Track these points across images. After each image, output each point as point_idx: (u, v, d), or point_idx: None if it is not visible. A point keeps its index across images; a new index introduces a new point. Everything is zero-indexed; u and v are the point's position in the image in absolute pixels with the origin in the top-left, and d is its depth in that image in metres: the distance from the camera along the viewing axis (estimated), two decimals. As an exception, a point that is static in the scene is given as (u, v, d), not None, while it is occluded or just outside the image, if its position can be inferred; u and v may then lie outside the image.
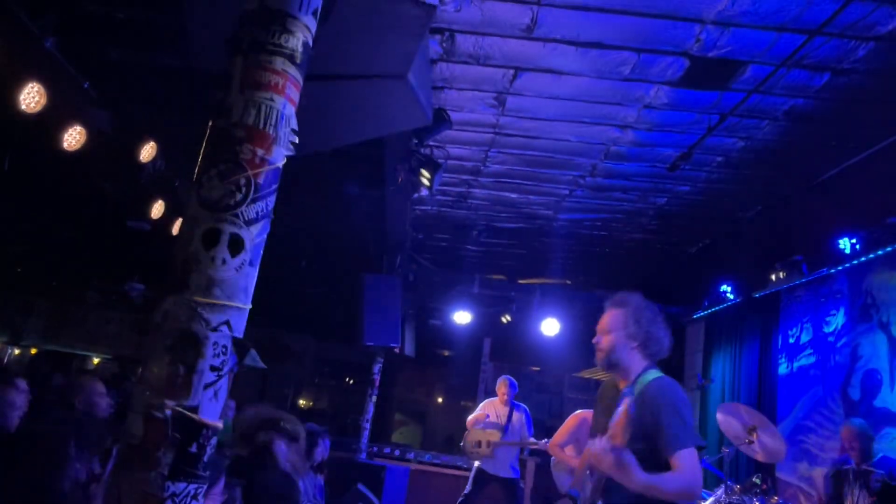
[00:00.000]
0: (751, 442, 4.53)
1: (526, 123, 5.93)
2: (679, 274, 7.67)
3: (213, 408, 1.22)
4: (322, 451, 5.18)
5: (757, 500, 4.53)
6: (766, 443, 4.52)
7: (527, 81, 5.20)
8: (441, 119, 5.20)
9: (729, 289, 7.13)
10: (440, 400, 13.74)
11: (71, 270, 10.05)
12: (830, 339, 5.93)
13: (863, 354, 5.48)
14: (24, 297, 11.38)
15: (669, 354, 2.70)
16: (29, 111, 3.99)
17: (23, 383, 3.03)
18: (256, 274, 1.34)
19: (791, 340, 6.55)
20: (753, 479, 4.78)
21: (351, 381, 13.17)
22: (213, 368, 1.22)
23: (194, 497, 1.18)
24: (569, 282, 9.45)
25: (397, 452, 8.57)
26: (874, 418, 5.18)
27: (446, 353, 11.58)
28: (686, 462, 2.35)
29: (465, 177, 7.20)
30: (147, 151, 5.18)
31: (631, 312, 2.64)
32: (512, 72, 5.10)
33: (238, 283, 1.28)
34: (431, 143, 6.00)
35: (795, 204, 6.17)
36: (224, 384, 1.25)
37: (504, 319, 9.01)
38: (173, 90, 5.02)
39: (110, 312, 11.41)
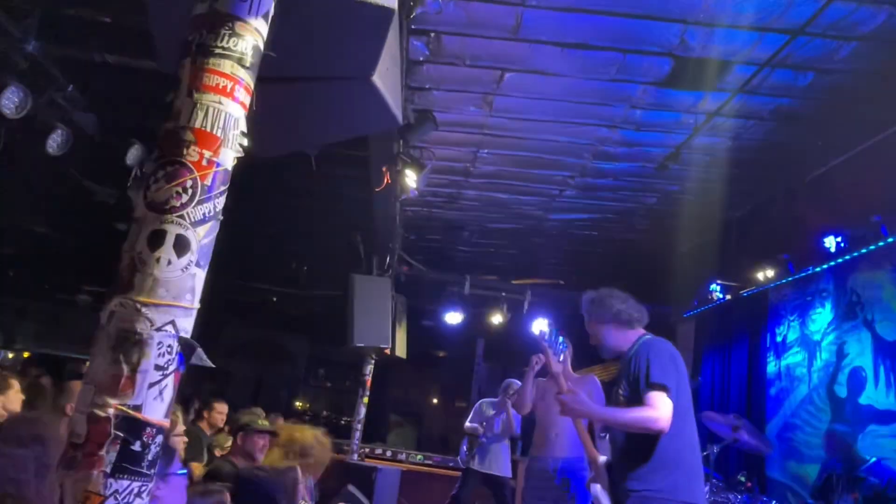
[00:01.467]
0: (736, 441, 4.56)
1: (514, 124, 5.95)
2: (669, 273, 7.69)
3: (157, 406, 1.23)
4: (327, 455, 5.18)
5: (741, 498, 4.55)
6: (749, 440, 4.55)
7: (514, 82, 5.22)
8: (427, 120, 5.21)
9: (718, 288, 7.16)
10: (435, 401, 13.76)
11: (62, 274, 10.06)
12: (816, 337, 5.95)
13: (848, 352, 5.50)
14: (15, 301, 11.39)
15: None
16: (12, 115, 4.00)
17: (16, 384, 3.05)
18: (204, 274, 1.35)
19: (779, 339, 6.57)
20: (739, 478, 4.81)
21: (347, 383, 13.17)
22: (157, 368, 1.23)
23: (138, 494, 1.19)
24: (561, 282, 9.47)
25: (389, 453, 8.59)
26: (860, 416, 5.20)
27: (440, 353, 11.60)
28: (650, 400, 2.66)
29: (455, 178, 7.22)
30: (133, 154, 5.19)
31: (590, 308, 3.10)
32: (499, 72, 5.12)
33: (184, 283, 1.29)
34: (418, 144, 6.02)
35: (782, 203, 6.19)
36: (170, 383, 1.26)
37: (495, 321, 9.02)
38: (158, 92, 5.03)
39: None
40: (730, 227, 6.83)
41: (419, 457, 8.60)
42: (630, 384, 2.81)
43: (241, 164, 1.48)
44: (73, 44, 4.60)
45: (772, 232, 6.32)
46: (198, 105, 1.35)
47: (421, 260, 8.86)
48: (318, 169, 5.82)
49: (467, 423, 6.91)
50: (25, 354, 11.92)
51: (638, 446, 2.73)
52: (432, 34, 4.73)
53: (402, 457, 8.57)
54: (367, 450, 8.42)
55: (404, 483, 7.82)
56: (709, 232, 7.11)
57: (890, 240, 4.86)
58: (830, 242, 5.37)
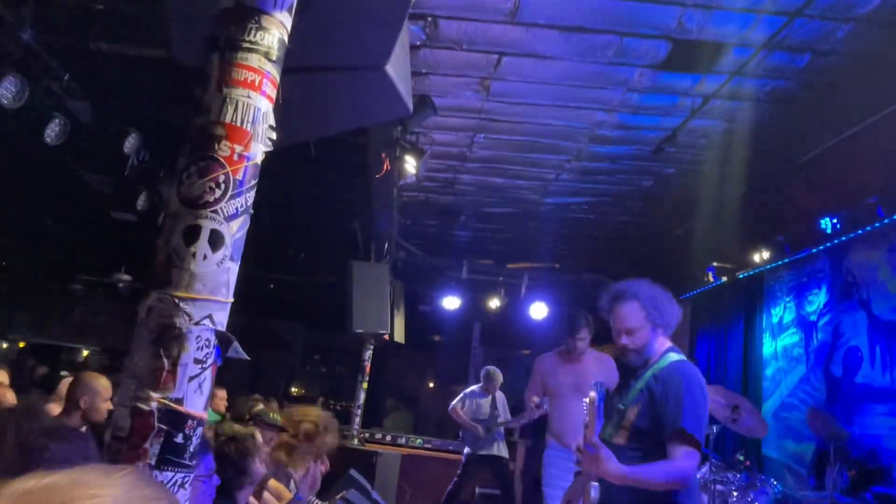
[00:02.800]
0: (735, 420, 4.63)
1: (511, 108, 5.94)
2: (666, 256, 7.74)
3: (197, 399, 1.25)
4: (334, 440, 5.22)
5: (740, 476, 4.64)
6: (748, 420, 4.62)
7: (511, 66, 5.21)
8: (425, 105, 5.20)
9: (714, 270, 7.22)
10: (431, 385, 13.84)
11: (56, 263, 10.00)
12: (813, 317, 6.03)
13: (844, 332, 5.58)
14: (9, 291, 11.32)
15: None
16: (8, 104, 3.96)
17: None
18: (237, 268, 1.36)
19: (775, 320, 6.65)
20: (737, 457, 4.89)
21: (343, 369, 13.23)
22: (196, 361, 1.25)
23: (181, 485, 1.21)
24: (557, 265, 9.51)
25: (388, 438, 8.66)
26: (855, 394, 5.30)
27: (437, 338, 11.65)
28: (680, 451, 2.30)
29: (451, 162, 7.21)
30: (130, 143, 5.15)
31: (647, 302, 2.61)
32: (496, 57, 5.11)
33: (219, 277, 1.31)
34: (417, 130, 6.01)
35: (778, 185, 6.24)
36: (208, 376, 1.28)
37: (492, 305, 9.07)
38: (155, 81, 4.99)
39: (98, 304, 11.36)
40: (726, 209, 6.87)
41: (419, 441, 8.67)
42: (650, 413, 2.44)
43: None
44: (67, 32, 4.54)
45: (768, 214, 6.38)
46: (227, 100, 1.35)
47: (418, 245, 8.87)
48: (315, 154, 5.81)
49: (461, 415, 6.97)
50: (21, 344, 11.88)
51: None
52: (429, 18, 4.71)
53: (402, 441, 8.64)
54: (366, 435, 8.49)
55: (404, 467, 7.90)
56: (705, 214, 7.16)
57: (885, 220, 4.92)
58: (826, 224, 5.43)
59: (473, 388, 7.20)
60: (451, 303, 8.90)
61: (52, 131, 4.45)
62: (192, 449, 1.25)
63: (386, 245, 7.84)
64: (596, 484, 2.45)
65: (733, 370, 7.11)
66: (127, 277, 8.25)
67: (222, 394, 5.62)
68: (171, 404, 1.22)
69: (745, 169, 6.41)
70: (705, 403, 2.46)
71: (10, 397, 3.38)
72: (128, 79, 5.22)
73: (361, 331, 7.19)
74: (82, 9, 4.29)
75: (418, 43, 4.98)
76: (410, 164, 5.53)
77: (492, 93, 5.64)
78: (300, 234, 9.00)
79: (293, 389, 14.14)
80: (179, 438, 1.23)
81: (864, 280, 5.40)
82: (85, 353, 12.31)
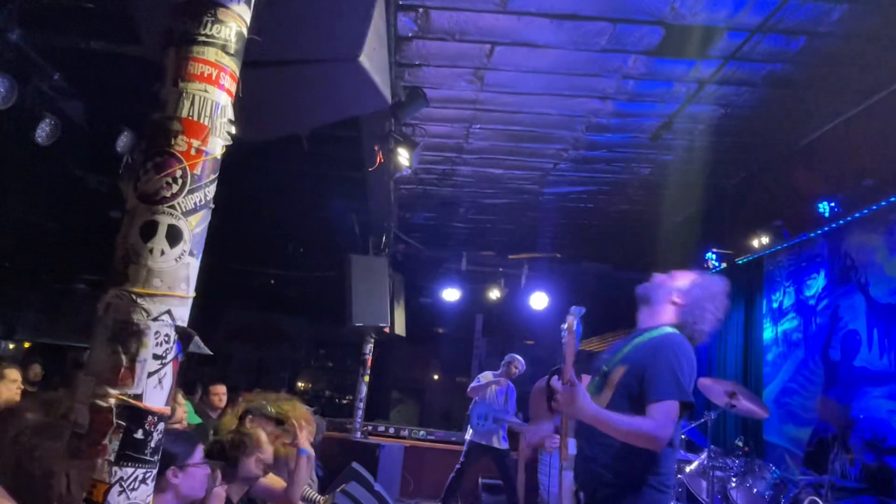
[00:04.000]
0: (733, 406, 4.61)
1: (506, 98, 5.92)
2: (665, 243, 7.71)
3: (157, 395, 1.25)
4: (319, 434, 5.25)
5: (739, 462, 4.63)
6: (746, 405, 4.60)
7: (504, 56, 5.19)
8: (417, 97, 5.18)
9: (713, 256, 7.19)
10: (435, 377, 13.88)
11: (59, 263, 10.06)
12: (811, 302, 6.00)
13: (843, 316, 5.55)
14: (14, 292, 11.39)
15: None
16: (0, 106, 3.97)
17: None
18: (198, 263, 1.36)
19: (774, 305, 6.62)
20: (736, 443, 4.88)
21: (348, 363, 13.27)
22: (156, 357, 1.25)
23: (143, 481, 1.22)
24: (557, 255, 9.50)
25: (392, 430, 8.69)
26: (854, 377, 5.27)
27: (440, 330, 11.67)
28: (657, 412, 2.35)
29: (448, 154, 7.20)
30: (123, 141, 5.16)
31: (700, 282, 2.70)
32: (488, 47, 5.08)
33: (178, 273, 1.30)
34: (410, 122, 5.99)
35: (776, 170, 6.20)
36: (169, 371, 1.28)
37: (493, 296, 9.07)
38: (147, 78, 4.98)
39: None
40: (724, 195, 6.84)
41: (421, 432, 8.70)
42: (637, 374, 2.49)
43: (233, 148, 1.48)
44: (56, 31, 4.54)
45: (766, 199, 6.34)
46: (184, 94, 1.35)
47: (417, 238, 8.87)
48: (310, 150, 5.80)
49: (477, 394, 6.99)
50: (26, 345, 11.96)
51: (619, 449, 2.43)
52: (420, 9, 4.68)
53: (405, 433, 8.68)
54: (369, 427, 8.52)
55: (408, 458, 7.93)
56: (703, 201, 7.12)
57: (883, 203, 4.88)
58: (824, 208, 5.39)
59: (490, 372, 7.20)
60: (451, 295, 8.91)
61: (42, 131, 4.45)
62: (153, 444, 1.25)
63: (384, 238, 7.84)
64: (573, 440, 2.52)
65: (733, 356, 7.09)
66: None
67: (219, 390, 5.64)
68: (130, 400, 1.22)
69: (742, 154, 6.37)
70: (691, 373, 2.49)
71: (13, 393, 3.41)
72: (119, 77, 5.21)
73: (361, 324, 7.20)
74: (71, 7, 4.28)
75: (410, 34, 4.95)
76: (404, 157, 5.51)
77: (486, 83, 5.62)
78: (299, 229, 9.01)
79: (299, 384, 14.20)
80: (139, 434, 1.23)
81: (862, 263, 5.37)
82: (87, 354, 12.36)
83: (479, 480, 7.79)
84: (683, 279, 2.71)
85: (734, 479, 4.57)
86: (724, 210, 6.87)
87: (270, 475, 3.39)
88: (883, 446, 4.28)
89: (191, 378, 7.83)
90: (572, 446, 2.53)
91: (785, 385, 6.28)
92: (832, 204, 5.33)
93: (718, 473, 4.59)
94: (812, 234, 5.84)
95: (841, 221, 5.37)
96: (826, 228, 5.63)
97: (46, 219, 8.03)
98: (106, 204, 6.28)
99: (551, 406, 3.59)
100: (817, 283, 5.94)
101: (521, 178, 7.76)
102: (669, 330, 2.61)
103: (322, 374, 14.48)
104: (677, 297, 2.65)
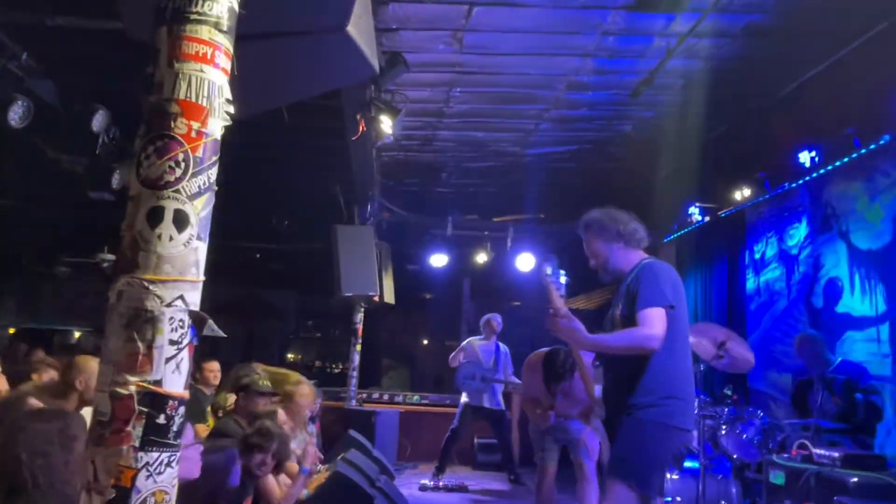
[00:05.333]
0: (721, 357, 4.72)
1: (486, 60, 5.86)
2: (649, 199, 7.76)
3: (176, 379, 1.26)
4: (316, 405, 5.31)
5: (728, 410, 4.77)
6: (736, 353, 4.71)
7: (483, 16, 5.11)
8: (397, 62, 5.10)
9: (696, 210, 7.26)
10: (425, 342, 14.00)
11: (40, 246, 9.90)
12: (794, 251, 6.11)
13: (824, 264, 5.67)
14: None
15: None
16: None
17: None
18: (206, 247, 1.35)
19: (757, 256, 6.74)
20: (725, 392, 5.02)
21: (337, 333, 13.32)
22: (172, 342, 1.25)
23: (168, 464, 1.23)
24: (542, 216, 9.54)
25: (386, 397, 8.80)
26: (836, 323, 5.42)
27: (427, 296, 11.72)
28: (644, 318, 2.64)
29: (429, 119, 7.13)
30: (98, 120, 5.03)
31: (597, 225, 3.00)
32: (466, 7, 5.00)
33: (188, 258, 1.30)
34: (390, 88, 5.91)
35: (757, 121, 6.23)
36: (185, 355, 1.29)
37: (480, 260, 9.10)
38: (118, 54, 4.84)
39: (85, 285, 11.29)
40: (706, 149, 6.88)
41: (415, 397, 8.82)
42: (627, 304, 2.77)
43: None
44: (20, 8, 4.38)
45: (747, 151, 6.39)
46: (179, 75, 1.32)
47: (401, 205, 8.83)
48: (289, 120, 5.71)
49: (458, 361, 7.06)
50: (11, 331, 11.83)
51: (633, 371, 2.67)
52: (396, -29, 4.59)
53: (399, 398, 8.79)
54: (364, 395, 8.61)
55: (403, 423, 8.06)
56: (685, 156, 7.16)
57: (863, 151, 4.94)
58: (805, 157, 5.44)
59: (475, 337, 7.28)
60: (438, 260, 8.93)
61: (15, 114, 4.33)
62: (175, 428, 1.26)
63: (368, 207, 7.81)
64: (599, 386, 2.87)
65: (718, 308, 7.23)
66: (110, 257, 8.18)
67: (213, 366, 5.64)
68: (150, 387, 1.23)
69: (723, 107, 6.38)
70: (667, 280, 2.79)
71: (2, 384, 3.39)
72: (90, 54, 5.06)
73: (351, 294, 7.21)
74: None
75: (385, -2, 4.86)
76: (386, 124, 5.46)
77: (465, 45, 5.54)
78: (283, 202, 8.93)
79: (289, 356, 14.27)
80: (162, 419, 1.24)
81: (843, 211, 5.46)
82: (77, 334, 12.30)
83: (475, 440, 7.95)
84: (592, 224, 3.03)
85: (724, 427, 4.71)
86: (706, 164, 6.92)
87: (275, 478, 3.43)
88: (860, 387, 4.42)
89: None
90: (598, 391, 2.93)
91: (768, 333, 6.43)
92: (813, 153, 5.39)
93: (708, 422, 4.73)
94: (793, 185, 5.91)
95: (822, 170, 5.44)
96: (807, 178, 5.70)
97: (23, 202, 7.87)
98: (83, 184, 6.15)
99: (550, 389, 3.75)
100: (799, 233, 6.04)
101: (504, 141, 7.73)
102: (649, 261, 2.93)
103: (312, 345, 14.55)
104: (615, 244, 2.94)
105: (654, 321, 2.61)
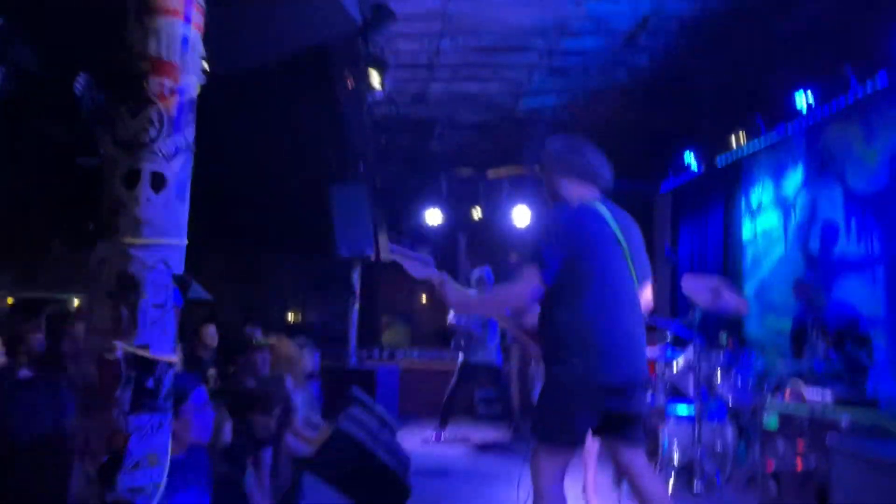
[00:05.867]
0: (716, 302, 4.73)
1: (474, 9, 5.68)
2: (645, 149, 7.68)
3: (163, 343, 1.25)
4: (310, 362, 5.37)
5: (723, 355, 4.82)
6: (730, 300, 4.72)
7: (470, -37, 4.96)
8: (383, 14, 4.96)
9: (693, 158, 7.20)
10: (423, 299, 14.06)
11: (32, 218, 9.83)
12: (790, 197, 6.09)
13: (821, 208, 5.66)
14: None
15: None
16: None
17: None
18: (187, 207, 1.33)
19: (754, 204, 6.72)
20: (720, 337, 5.07)
21: (336, 293, 13.37)
22: (156, 306, 1.24)
23: (160, 427, 1.24)
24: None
25: (386, 354, 8.88)
26: (833, 267, 5.43)
27: (424, 252, 11.72)
28: (522, 275, 2.57)
29: (419, 73, 6.99)
30: (81, 84, 4.91)
31: (554, 156, 2.91)
32: (453, -46, 4.85)
33: (167, 219, 1.27)
34: (379, 41, 5.77)
35: (752, 65, 6.11)
36: (171, 318, 1.28)
37: (475, 215, 9.07)
38: (100, 15, 4.70)
39: (81, 254, 11.24)
40: (701, 95, 6.77)
41: (415, 353, 8.91)
42: None
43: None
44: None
45: (743, 95, 6.29)
46: (149, 31, 1.27)
47: (395, 162, 8.75)
48: (279, 80, 5.60)
49: (453, 321, 7.09)
50: (10, 301, 11.85)
51: (543, 330, 2.61)
52: (379, -84, 4.42)
53: (400, 355, 8.88)
54: (364, 353, 8.70)
55: (404, 380, 8.16)
56: (681, 103, 7.05)
57: (859, 91, 4.87)
58: (801, 100, 5.36)
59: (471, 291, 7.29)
60: (433, 217, 8.90)
61: (-6, 81, 4.21)
62: (165, 391, 1.26)
63: (362, 165, 7.73)
64: None
65: (714, 256, 7.24)
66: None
67: (210, 330, 5.67)
68: (137, 351, 1.22)
69: (718, 50, 6.26)
70: (558, 233, 2.60)
71: None
72: (70, 14, 4.91)
73: (347, 254, 7.21)
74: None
75: (369, -53, 4.70)
76: (375, 79, 5.35)
77: (453, -7, 5.39)
78: (277, 164, 8.83)
79: (289, 317, 14.35)
80: (150, 383, 1.24)
81: (840, 155, 5.42)
82: (76, 301, 12.32)
83: (475, 394, 8.07)
84: (545, 171, 2.91)
85: (719, 372, 4.77)
86: (702, 111, 6.82)
87: None
88: (856, 332, 4.46)
89: (183, 320, 7.85)
90: None
91: (765, 280, 6.46)
92: (809, 95, 5.30)
93: (704, 368, 4.78)
94: (789, 129, 5.84)
95: (818, 114, 5.37)
96: (803, 122, 5.63)
97: (12, 175, 7.77)
98: (72, 152, 6.07)
99: None
100: (795, 178, 6.01)
101: (496, 93, 7.59)
102: (567, 204, 2.77)
103: (311, 305, 14.61)
104: (564, 177, 2.79)
105: (523, 278, 2.54)
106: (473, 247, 10.34)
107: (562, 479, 2.49)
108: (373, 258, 7.54)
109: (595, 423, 2.48)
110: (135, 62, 1.27)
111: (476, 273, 7.22)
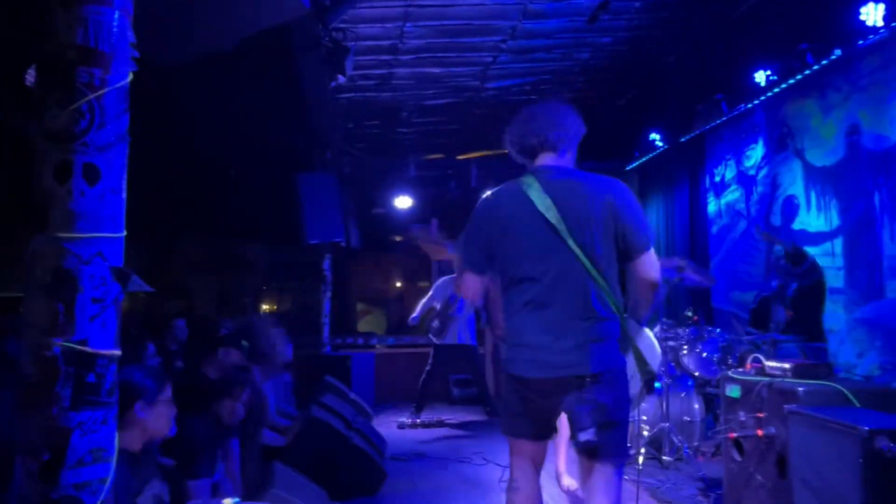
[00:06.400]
0: (681, 280, 4.82)
1: (437, -10, 5.66)
2: (611, 128, 7.73)
3: (103, 337, 1.24)
4: (286, 352, 5.34)
5: (689, 331, 4.91)
6: (693, 276, 4.81)
7: (430, -56, 4.91)
8: (342, -1, 4.90)
9: (658, 136, 7.27)
10: (398, 284, 14.07)
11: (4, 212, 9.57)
12: (752, 172, 6.19)
13: (781, 182, 5.76)
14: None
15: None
16: None
17: None
18: (124, 199, 1.30)
19: (717, 179, 6.82)
20: (686, 313, 5.16)
21: (309, 281, 13.30)
22: (94, 300, 1.22)
23: (103, 422, 1.22)
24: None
25: (360, 341, 8.87)
26: (794, 239, 5.55)
27: (397, 238, 11.71)
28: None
29: (384, 57, 6.92)
30: (32, 74, 4.77)
31: (573, 124, 2.65)
32: (412, -64, 4.79)
33: (103, 212, 1.24)
34: (340, 26, 5.70)
35: (713, 43, 6.18)
36: (111, 313, 1.26)
37: (447, 199, 9.05)
38: (21, 2, 4.56)
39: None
40: (664, 74, 6.83)
41: (390, 339, 8.92)
42: None
43: (157, 77, 1.38)
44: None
45: (705, 73, 6.35)
46: (74, 19, 1.23)
47: (363, 148, 8.68)
48: (241, 67, 5.51)
49: (426, 302, 7.10)
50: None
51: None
52: None
53: (374, 342, 8.88)
54: (338, 341, 8.68)
55: (379, 366, 8.17)
56: (644, 82, 7.10)
57: (815, 67, 4.94)
58: (760, 77, 5.43)
59: (446, 277, 7.29)
60: (404, 202, 8.87)
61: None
62: (108, 386, 1.25)
63: (329, 152, 7.66)
64: None
65: (680, 232, 7.35)
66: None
67: (181, 324, 5.62)
68: (76, 346, 1.20)
69: (680, 29, 6.31)
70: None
71: None
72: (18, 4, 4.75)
73: (317, 241, 7.16)
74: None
75: (326, -71, 4.62)
76: (338, 65, 5.28)
77: (414, -24, 5.34)
78: (242, 154, 8.71)
79: (263, 306, 14.25)
80: (91, 378, 1.22)
81: (798, 129, 5.52)
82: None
83: (450, 377, 8.10)
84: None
85: (685, 347, 4.86)
86: (665, 89, 6.88)
87: None
88: (816, 280, 4.58)
89: (156, 313, 7.77)
90: None
91: (730, 255, 6.58)
92: (768, 72, 5.38)
93: (671, 343, 4.87)
94: (750, 105, 5.92)
95: (777, 89, 5.45)
96: (763, 98, 5.71)
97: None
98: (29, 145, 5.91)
99: None
100: (756, 153, 6.10)
101: (462, 76, 7.56)
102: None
103: (285, 295, 14.52)
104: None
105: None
106: (447, 229, 10.34)
107: (528, 468, 2.38)
108: (343, 245, 7.51)
109: (536, 416, 2.32)
110: (61, 51, 1.24)
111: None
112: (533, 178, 2.43)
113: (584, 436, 2.11)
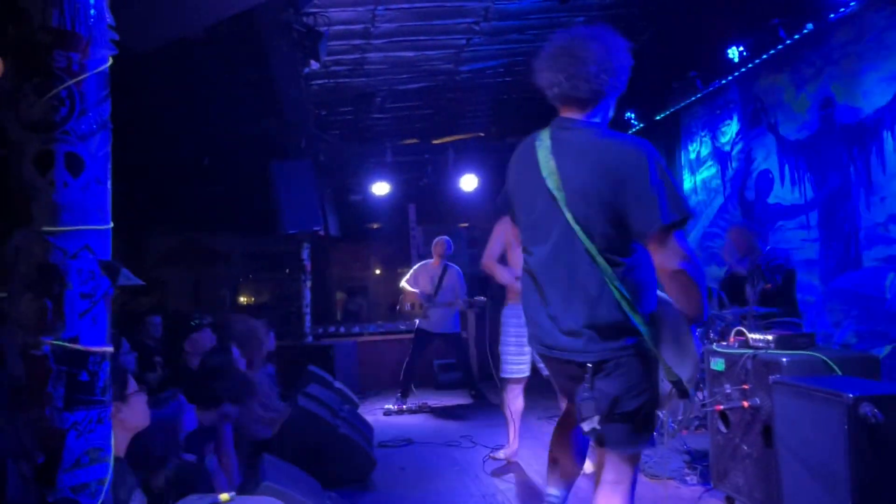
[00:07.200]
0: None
1: (408, -27, 5.58)
2: (585, 108, 7.73)
3: (94, 333, 1.19)
4: (270, 342, 5.29)
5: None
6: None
7: (400, -75, 4.83)
8: (313, -18, 4.81)
9: (633, 115, 7.29)
10: (377, 271, 14.01)
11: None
12: (727, 148, 6.25)
13: (755, 157, 5.82)
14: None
15: None
16: None
17: None
18: (109, 189, 1.25)
19: (692, 156, 6.87)
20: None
21: (287, 271, 13.17)
22: (83, 296, 1.17)
23: (99, 421, 1.18)
24: (481, 134, 9.43)
25: (342, 329, 8.83)
26: (769, 214, 5.63)
27: (374, 225, 11.63)
28: None
29: (356, 41, 6.82)
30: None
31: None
32: (382, -84, 4.71)
33: (88, 203, 1.19)
34: (311, 10, 5.59)
35: (686, 20, 6.19)
36: (102, 308, 1.21)
37: (424, 184, 9.00)
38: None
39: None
40: (638, 52, 6.81)
41: (371, 327, 8.88)
42: None
43: (126, 64, 1.32)
44: None
45: (678, 51, 6.37)
46: (50, 1, 1.17)
47: (338, 135, 8.58)
48: (209, 53, 5.38)
49: (406, 287, 7.06)
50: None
51: None
52: None
53: (356, 330, 8.84)
54: (320, 330, 8.62)
55: (362, 354, 8.15)
56: (618, 61, 7.06)
57: (787, 42, 4.99)
58: (734, 53, 5.47)
59: (424, 262, 7.27)
60: (380, 189, 8.80)
61: None
62: (102, 384, 1.21)
63: (303, 140, 7.55)
64: None
65: (658, 210, 7.39)
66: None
67: (157, 320, 5.52)
68: (66, 344, 1.16)
69: (654, 7, 6.31)
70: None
71: None
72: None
73: (294, 231, 7.07)
74: None
75: (294, -90, 4.51)
76: (310, 50, 5.19)
77: (384, -42, 5.26)
78: (213, 142, 8.54)
79: (241, 299, 14.09)
80: (84, 376, 1.18)
81: (771, 104, 5.57)
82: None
83: (434, 362, 8.11)
84: None
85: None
86: (640, 67, 6.87)
87: None
88: (786, 270, 4.64)
89: (129, 309, 7.63)
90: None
91: (706, 230, 6.66)
92: (741, 48, 5.41)
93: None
94: (724, 81, 5.97)
95: (750, 65, 5.49)
96: (737, 73, 5.75)
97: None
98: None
99: None
100: (731, 129, 6.16)
101: (435, 59, 7.49)
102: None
103: (263, 286, 14.37)
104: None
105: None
106: (424, 216, 10.30)
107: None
108: (321, 234, 7.43)
109: (562, 387, 2.34)
110: (36, 35, 1.17)
111: (434, 241, 7.20)
112: (547, 135, 2.10)
113: (587, 425, 1.99)
